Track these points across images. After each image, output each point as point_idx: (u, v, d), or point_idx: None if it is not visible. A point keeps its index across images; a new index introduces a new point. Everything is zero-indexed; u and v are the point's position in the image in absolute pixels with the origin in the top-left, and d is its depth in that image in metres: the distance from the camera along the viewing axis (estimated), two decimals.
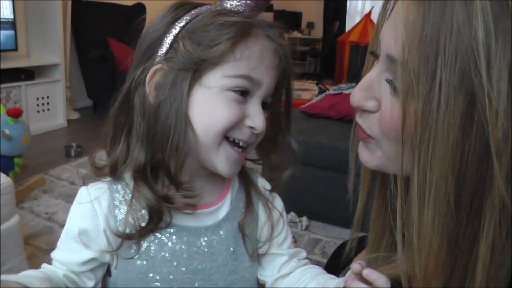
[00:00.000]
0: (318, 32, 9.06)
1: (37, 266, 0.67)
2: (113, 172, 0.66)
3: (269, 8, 8.72)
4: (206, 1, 0.66)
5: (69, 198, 2.64)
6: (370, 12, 7.08)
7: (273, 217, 0.74)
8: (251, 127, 0.63)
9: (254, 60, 0.61)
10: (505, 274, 0.42)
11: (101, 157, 0.70)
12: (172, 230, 0.66)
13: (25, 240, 1.76)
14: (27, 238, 2.09)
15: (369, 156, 0.58)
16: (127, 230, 0.64)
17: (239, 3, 0.64)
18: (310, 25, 9.10)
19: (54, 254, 0.68)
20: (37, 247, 2.09)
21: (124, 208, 0.65)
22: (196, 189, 0.65)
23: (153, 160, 0.63)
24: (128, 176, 0.66)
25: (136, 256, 0.65)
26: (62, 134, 4.04)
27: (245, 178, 0.75)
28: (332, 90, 3.10)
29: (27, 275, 0.59)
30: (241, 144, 0.64)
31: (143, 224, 0.63)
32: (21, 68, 3.73)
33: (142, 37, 0.66)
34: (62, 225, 0.61)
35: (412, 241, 0.46)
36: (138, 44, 0.67)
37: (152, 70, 0.62)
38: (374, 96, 0.53)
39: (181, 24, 0.62)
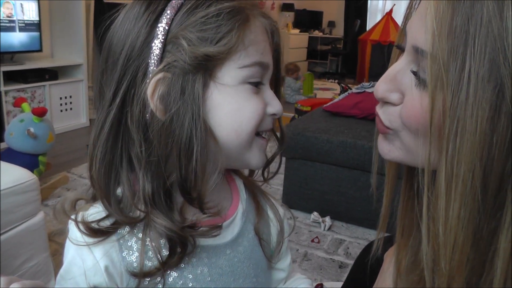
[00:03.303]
0: (339, 31, 9.01)
1: (60, 262, 0.66)
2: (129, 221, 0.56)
3: (290, 8, 8.72)
4: None
5: None
6: (391, 11, 7.01)
7: (280, 217, 0.71)
8: (272, 114, 0.59)
9: (260, 44, 0.56)
10: None
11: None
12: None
13: (48, 237, 1.78)
14: (51, 235, 2.12)
15: (388, 147, 0.57)
16: (146, 268, 0.56)
17: None
18: (331, 24, 9.05)
19: None
20: (61, 244, 2.10)
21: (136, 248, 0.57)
22: (217, 204, 0.58)
23: (166, 184, 0.54)
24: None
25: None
26: (84, 133, 4.09)
27: (246, 179, 0.70)
28: (355, 88, 3.07)
29: None
30: (263, 135, 0.60)
31: (164, 254, 0.55)
32: (46, 68, 3.79)
33: (110, 49, 0.56)
34: None
35: (438, 235, 0.45)
36: (104, 58, 0.56)
37: (153, 83, 0.52)
38: (398, 89, 0.53)
39: (166, 22, 0.53)
